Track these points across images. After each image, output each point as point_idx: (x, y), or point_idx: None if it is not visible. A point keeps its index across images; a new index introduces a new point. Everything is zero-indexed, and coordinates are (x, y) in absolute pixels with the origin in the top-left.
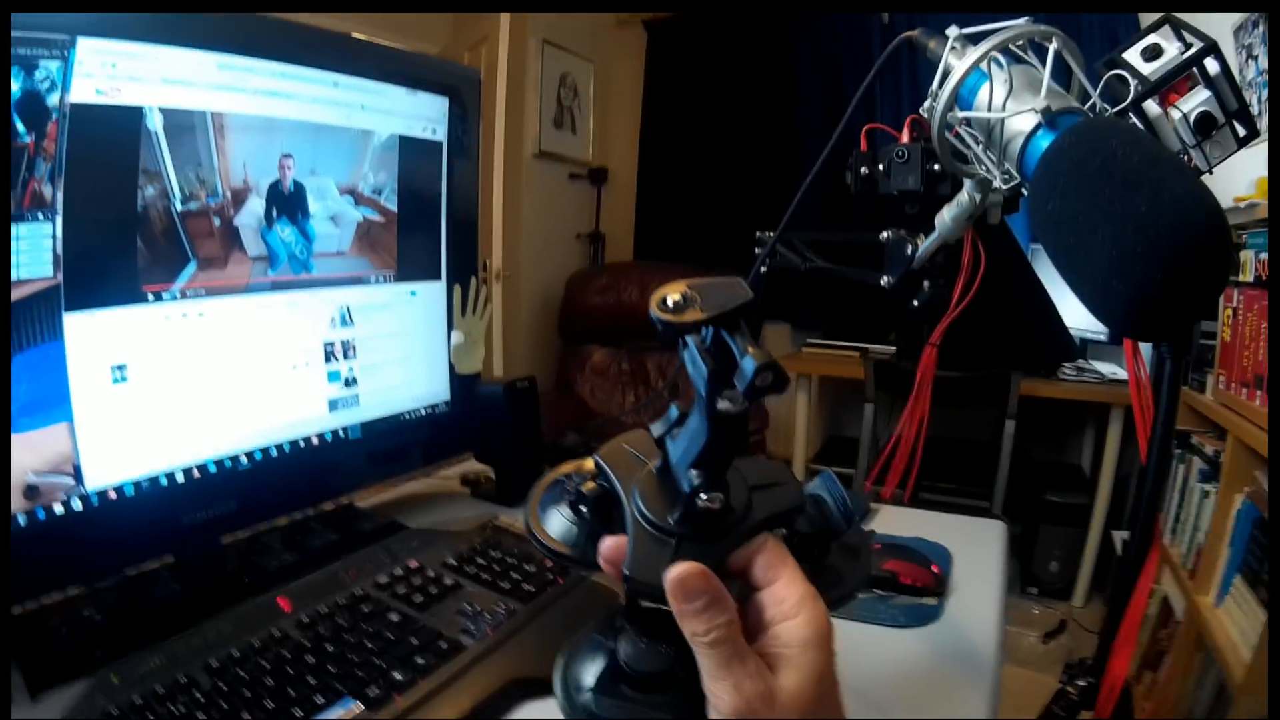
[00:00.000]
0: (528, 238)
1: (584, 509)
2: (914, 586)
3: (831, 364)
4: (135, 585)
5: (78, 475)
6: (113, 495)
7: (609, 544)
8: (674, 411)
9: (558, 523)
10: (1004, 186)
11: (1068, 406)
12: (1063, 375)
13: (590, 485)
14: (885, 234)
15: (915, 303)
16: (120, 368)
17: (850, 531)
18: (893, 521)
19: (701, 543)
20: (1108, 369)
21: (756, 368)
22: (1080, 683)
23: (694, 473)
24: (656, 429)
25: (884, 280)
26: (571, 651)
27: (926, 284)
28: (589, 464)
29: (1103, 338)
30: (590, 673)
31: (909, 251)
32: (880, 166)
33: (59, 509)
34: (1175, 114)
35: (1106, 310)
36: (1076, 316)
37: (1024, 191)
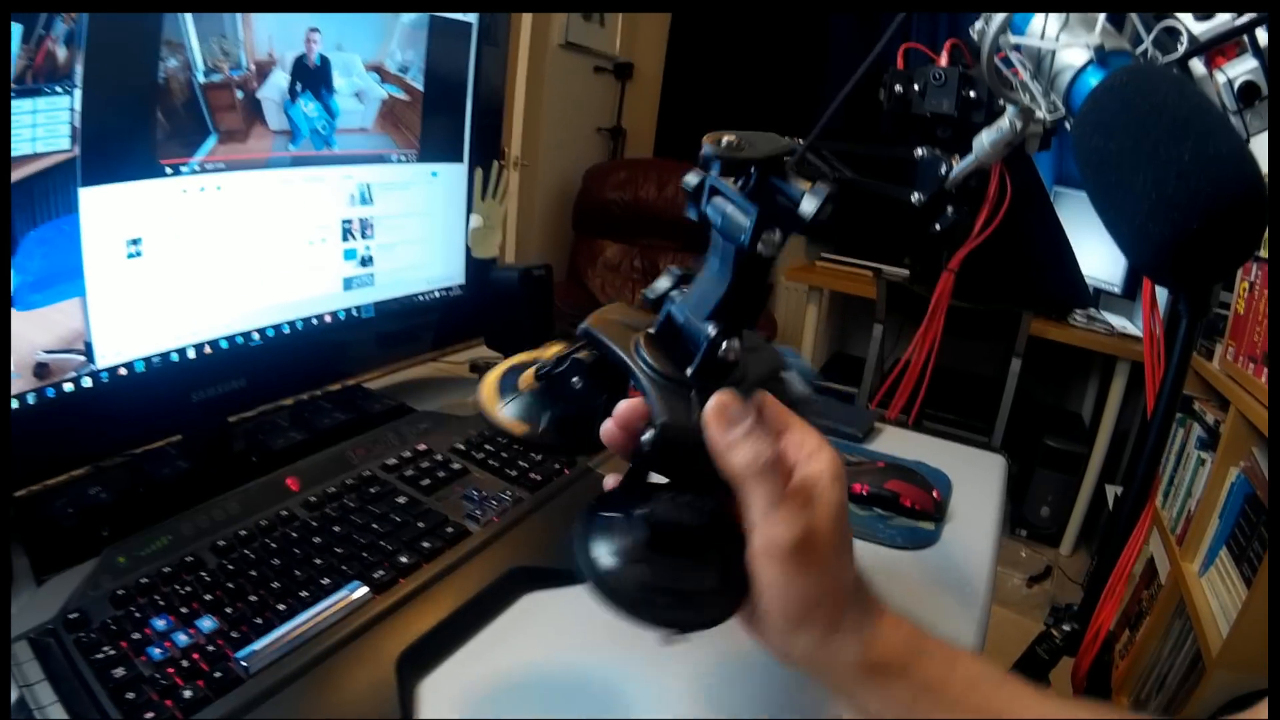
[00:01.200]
0: (548, 128)
1: (575, 380)
2: (914, 509)
3: (844, 280)
4: (142, 464)
5: (89, 352)
6: (123, 372)
7: (624, 406)
8: (674, 270)
9: (520, 406)
10: (1048, 117)
11: (1074, 353)
12: (1073, 321)
13: (585, 352)
14: (920, 151)
15: (938, 226)
16: (135, 242)
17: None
18: (895, 443)
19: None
20: (1118, 322)
21: (828, 193)
22: (1065, 627)
23: (710, 324)
24: (659, 287)
25: (914, 197)
26: (586, 536)
27: (951, 209)
28: (550, 351)
29: (1116, 290)
30: (621, 548)
31: (943, 171)
32: (915, 86)
33: (68, 387)
34: (1220, 77)
35: (1138, 251)
36: (1093, 265)
37: (1067, 125)
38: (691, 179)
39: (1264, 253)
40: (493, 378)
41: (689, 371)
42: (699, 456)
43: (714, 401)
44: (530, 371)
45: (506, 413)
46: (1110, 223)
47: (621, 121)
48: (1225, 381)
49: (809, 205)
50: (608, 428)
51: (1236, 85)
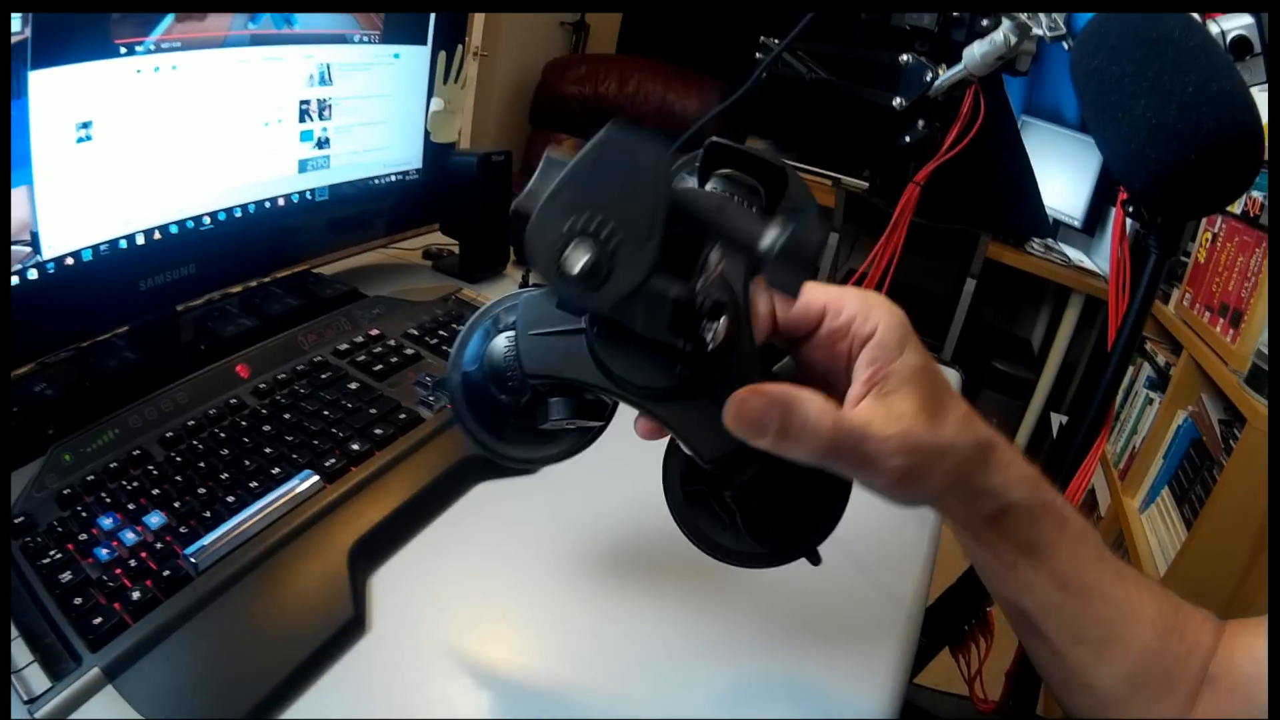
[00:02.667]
0: (509, 19)
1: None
2: None
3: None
4: (88, 358)
5: (35, 243)
6: (70, 263)
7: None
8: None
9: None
10: (1047, 34)
11: (1029, 280)
12: (1030, 249)
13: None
14: (905, 57)
15: (907, 139)
16: (85, 125)
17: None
18: None
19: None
20: (1075, 255)
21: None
22: None
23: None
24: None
25: (896, 101)
26: (693, 523)
27: (922, 123)
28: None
29: (1076, 224)
30: (729, 529)
31: (927, 78)
32: None
33: (14, 280)
34: (1214, 28)
35: (1132, 174)
36: (1055, 197)
37: (1065, 45)
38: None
39: (1232, 208)
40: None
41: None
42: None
43: (729, 414)
44: None
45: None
46: (1105, 143)
47: (585, 16)
48: (1180, 326)
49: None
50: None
51: (1230, 38)
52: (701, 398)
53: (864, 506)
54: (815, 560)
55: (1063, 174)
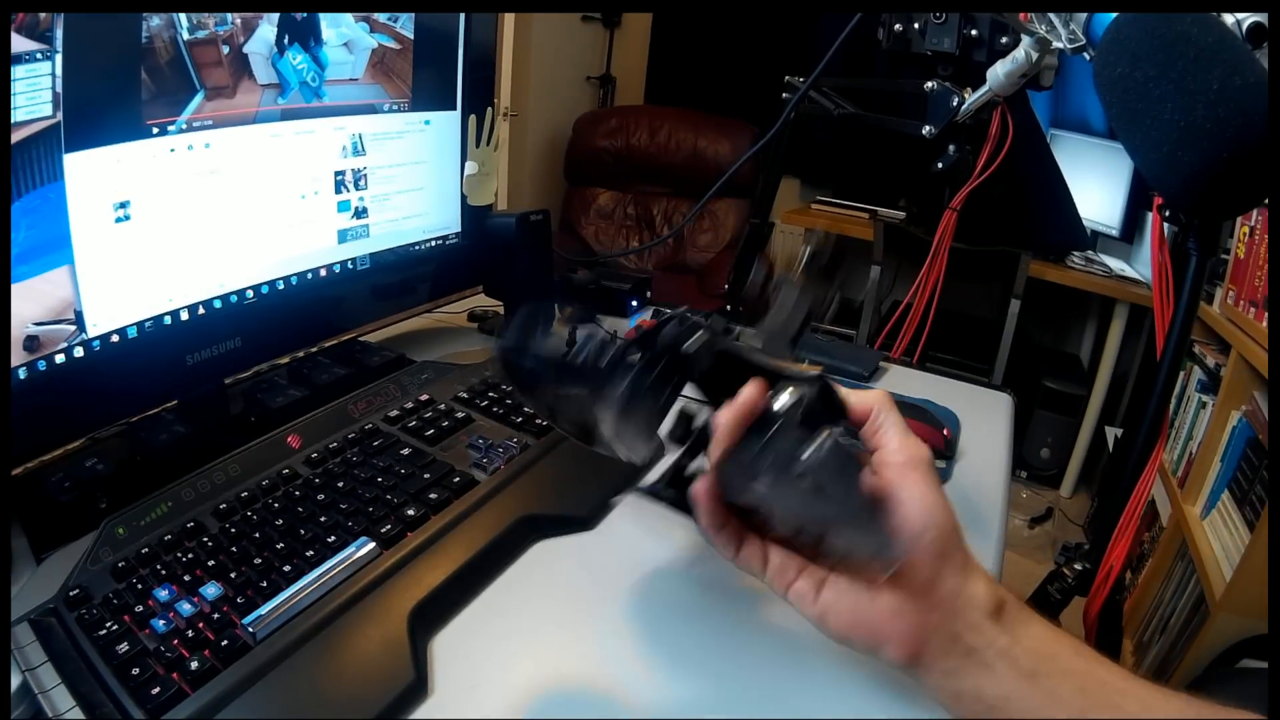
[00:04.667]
0: (537, 78)
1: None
2: None
3: (839, 223)
4: (139, 432)
5: (79, 321)
6: (115, 340)
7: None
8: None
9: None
10: (1067, 46)
11: (1072, 295)
12: (1071, 263)
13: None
14: (930, 84)
15: (940, 165)
16: (123, 205)
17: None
18: (901, 382)
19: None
20: (1116, 264)
21: None
22: (1076, 566)
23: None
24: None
25: (926, 130)
26: None
27: (953, 148)
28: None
29: (1114, 232)
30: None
31: (954, 103)
32: (915, 25)
33: (60, 358)
34: (1229, 18)
35: (1167, 179)
36: (1090, 208)
37: (1086, 56)
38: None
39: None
40: None
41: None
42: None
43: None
44: None
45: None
46: (1136, 150)
47: (611, 69)
48: (1226, 325)
49: None
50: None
51: (1245, 26)
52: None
53: None
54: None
55: (1096, 184)
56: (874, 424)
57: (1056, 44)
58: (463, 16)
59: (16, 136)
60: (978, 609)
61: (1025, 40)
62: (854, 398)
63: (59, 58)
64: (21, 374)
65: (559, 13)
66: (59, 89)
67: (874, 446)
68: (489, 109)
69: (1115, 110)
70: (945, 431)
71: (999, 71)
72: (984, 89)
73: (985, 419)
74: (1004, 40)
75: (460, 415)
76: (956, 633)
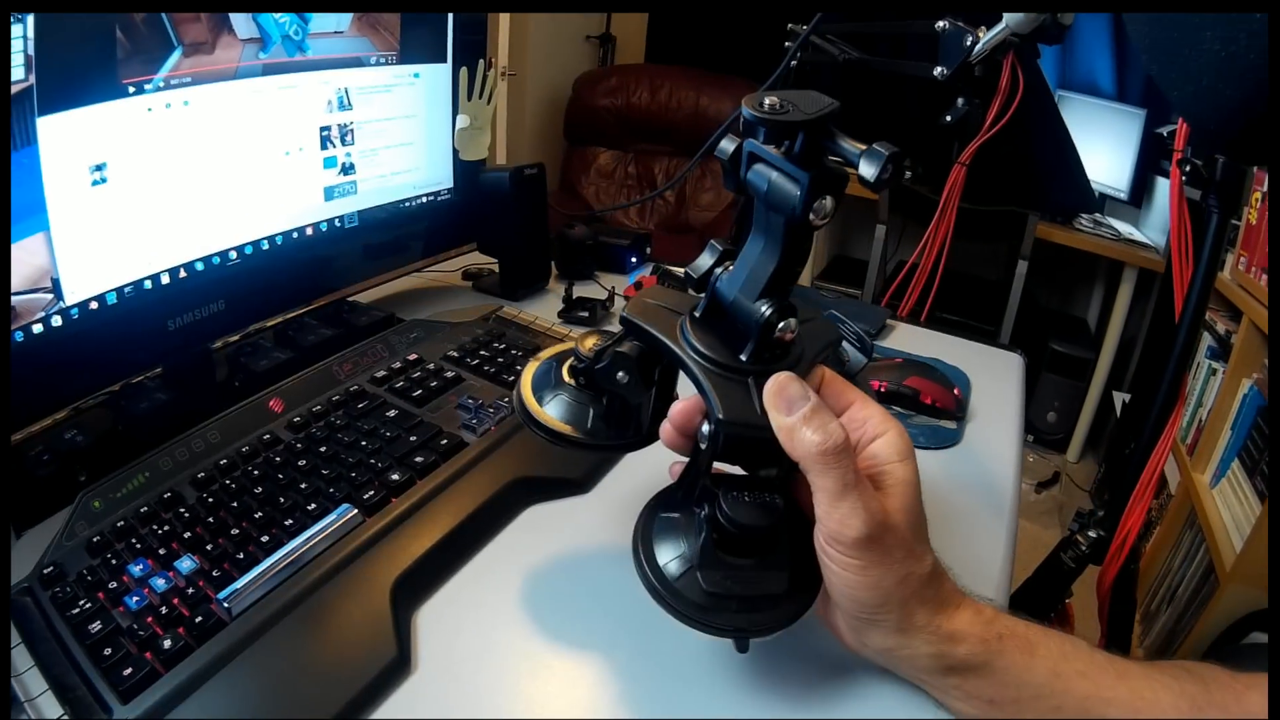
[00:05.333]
0: (535, 37)
1: (620, 375)
2: (935, 407)
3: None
4: (121, 401)
5: (56, 289)
6: (94, 307)
7: (678, 408)
8: (715, 246)
9: (560, 406)
10: None
11: (1079, 258)
12: (1079, 225)
13: (628, 345)
14: (941, 23)
15: (948, 118)
16: (99, 168)
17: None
18: (910, 340)
19: (760, 381)
20: (1124, 228)
21: (888, 155)
22: (1091, 534)
23: (764, 304)
24: (702, 264)
25: (938, 71)
26: (647, 541)
27: (961, 100)
28: (588, 342)
29: (1123, 195)
30: (683, 553)
31: (967, 43)
32: None
33: (38, 328)
34: None
35: (1203, 114)
36: (1098, 170)
37: None
38: (727, 146)
39: None
40: (527, 376)
41: (744, 357)
42: (763, 449)
43: (773, 384)
44: (562, 373)
45: (550, 413)
46: (1171, 85)
47: (610, 29)
48: (1237, 291)
49: (869, 170)
50: (665, 429)
51: None
52: (746, 382)
53: (938, 516)
54: (742, 647)
55: (1104, 146)
56: (806, 477)
57: None
58: None
59: None
60: (917, 666)
61: None
62: (790, 443)
63: (31, 19)
64: None
65: (552, 12)
66: (31, 51)
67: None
68: (480, 62)
69: (1148, 42)
70: (956, 391)
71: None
72: (999, 27)
73: (995, 379)
74: None
75: (450, 375)
76: (901, 670)
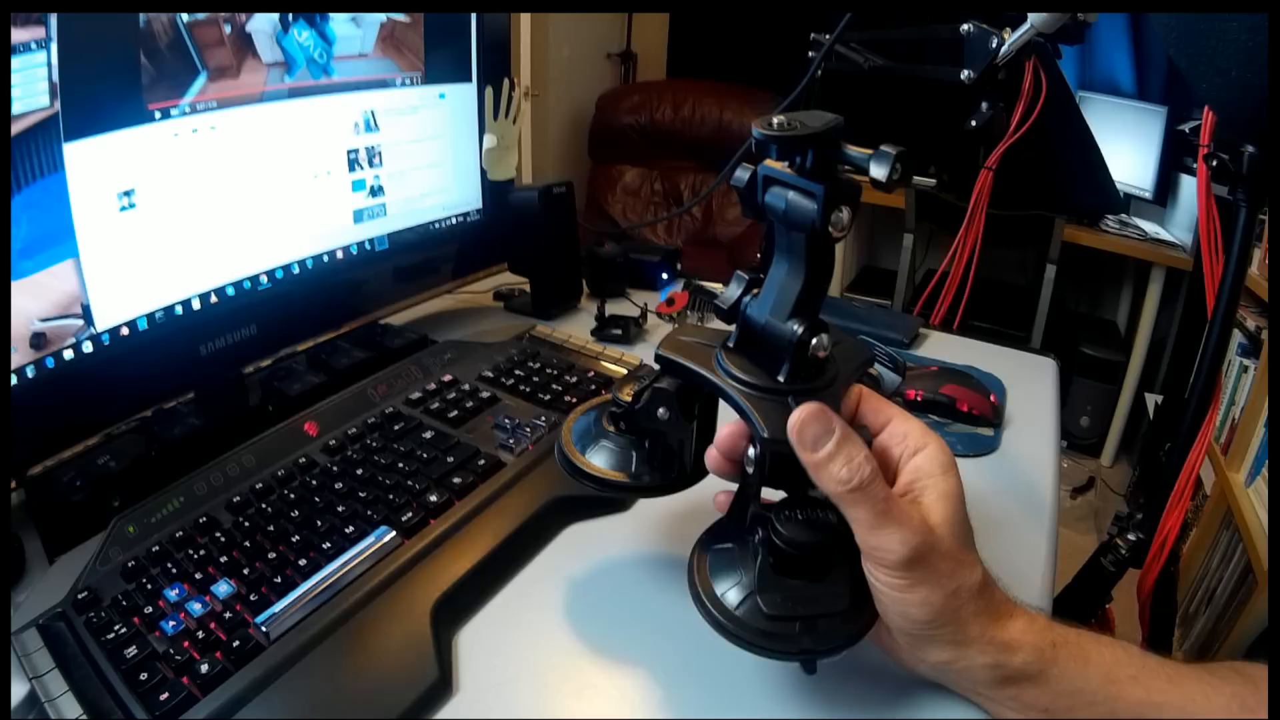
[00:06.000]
0: (556, 57)
1: (661, 411)
2: (971, 414)
3: (868, 191)
4: (152, 427)
5: (87, 315)
6: (125, 333)
7: (724, 432)
8: (741, 275)
9: (605, 454)
10: None
11: (1107, 259)
12: (1105, 227)
13: (667, 381)
14: (966, 26)
15: (973, 123)
16: (127, 193)
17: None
18: (943, 348)
19: (814, 395)
20: (1150, 227)
21: (895, 154)
22: (1130, 537)
23: (794, 323)
24: (730, 295)
25: (964, 74)
26: (703, 575)
27: (985, 105)
28: (625, 390)
29: (1147, 195)
30: (740, 581)
31: (993, 45)
32: None
33: (69, 354)
34: None
35: (1235, 105)
36: (1122, 170)
37: None
38: (741, 175)
39: None
40: (567, 430)
41: (781, 378)
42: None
43: (795, 419)
44: (601, 423)
45: (595, 462)
46: (1200, 77)
47: (631, 45)
48: (1265, 285)
49: (880, 171)
50: (712, 455)
51: None
52: (785, 401)
53: (978, 524)
54: (810, 668)
55: (1126, 145)
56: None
57: None
58: None
59: (14, 129)
60: (973, 679)
61: None
62: (819, 478)
63: (54, 46)
64: (30, 372)
65: (573, 13)
66: (55, 78)
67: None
68: (506, 80)
69: (1175, 36)
70: (992, 397)
71: None
72: (1024, 27)
73: (1030, 385)
74: None
75: (485, 395)
76: (958, 685)
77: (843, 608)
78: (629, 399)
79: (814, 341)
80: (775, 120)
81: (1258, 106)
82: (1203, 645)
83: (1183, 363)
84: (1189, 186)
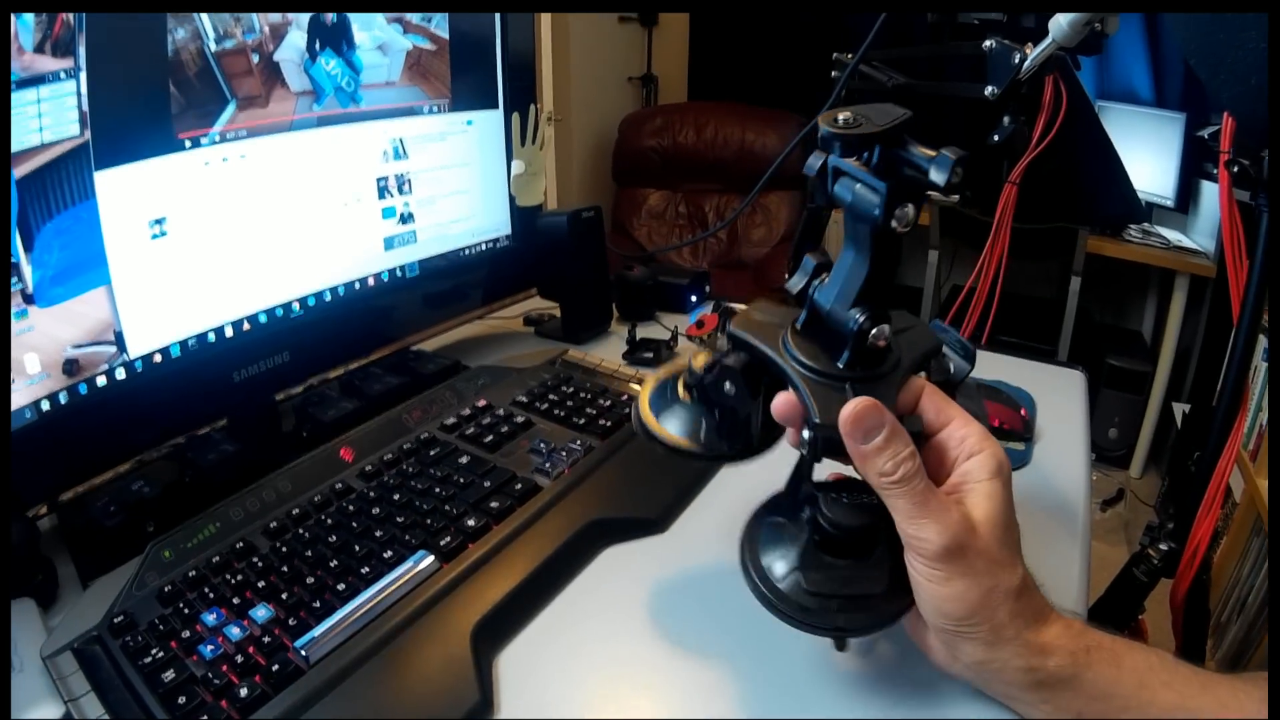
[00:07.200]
0: (578, 81)
1: (728, 386)
2: (1003, 429)
3: None
4: (186, 453)
5: (119, 342)
6: (158, 359)
7: (781, 400)
8: (809, 262)
9: (676, 421)
10: None
11: (1131, 270)
12: (1128, 237)
13: (734, 358)
14: (988, 42)
15: (995, 138)
16: (159, 221)
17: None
18: None
19: (871, 384)
20: (1173, 235)
21: (955, 159)
22: (1162, 547)
23: (856, 311)
24: (795, 282)
25: (988, 90)
26: (753, 545)
27: (1007, 119)
28: (700, 359)
29: (1169, 203)
30: (787, 556)
31: (1016, 60)
32: None
33: (101, 381)
34: None
35: (1253, 110)
36: (1143, 179)
37: None
38: (813, 162)
39: None
40: (645, 394)
41: (841, 364)
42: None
43: (846, 411)
44: (677, 388)
45: (667, 428)
46: (1221, 85)
47: (652, 68)
48: None
49: (939, 175)
50: (778, 404)
51: None
52: (843, 388)
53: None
54: (841, 645)
55: (1146, 153)
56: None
57: None
58: (498, 12)
59: (45, 158)
60: (1007, 681)
61: None
62: (864, 469)
63: (83, 75)
64: (63, 398)
65: (593, 12)
66: (85, 107)
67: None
68: (532, 106)
69: (1194, 46)
70: (1023, 411)
71: (1062, 21)
72: (1046, 41)
73: (1059, 398)
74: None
75: (520, 420)
76: (991, 686)
77: (879, 590)
78: (701, 370)
79: (874, 331)
80: (841, 117)
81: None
82: (1236, 654)
83: (1209, 371)
84: (1210, 193)
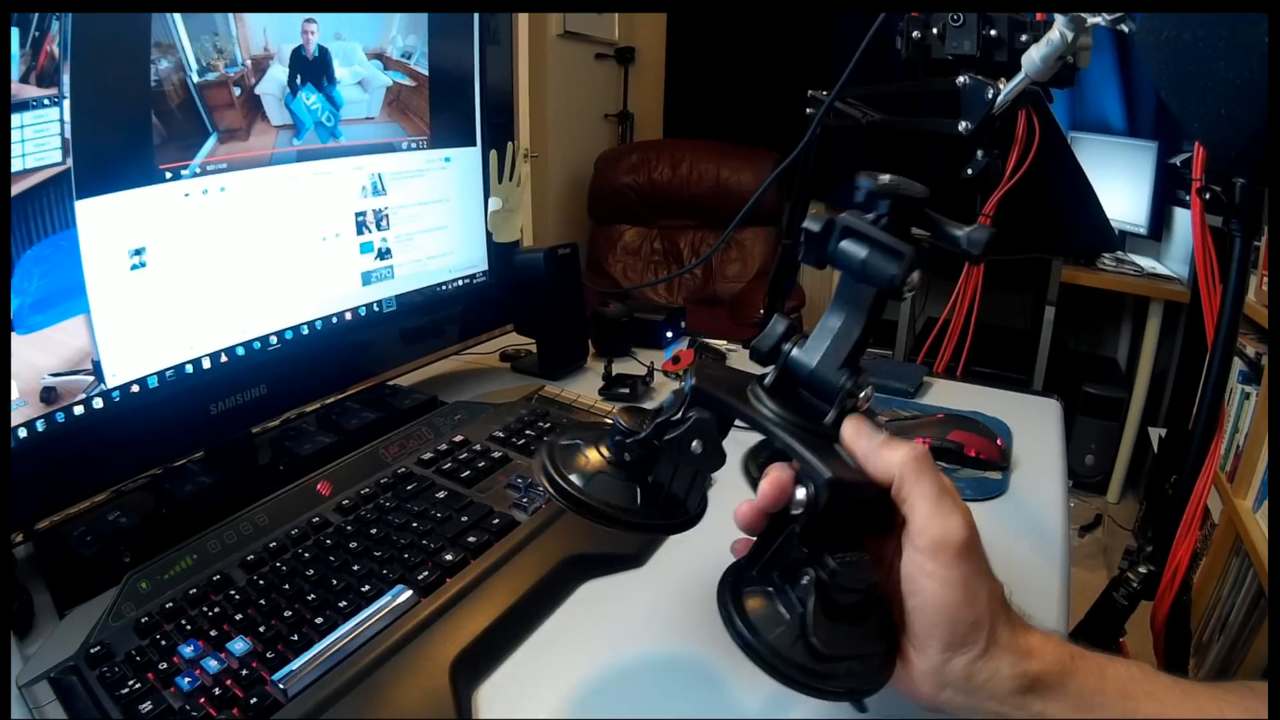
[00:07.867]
0: (554, 118)
1: (695, 444)
2: (979, 459)
3: None
4: (163, 484)
5: (97, 371)
6: (135, 390)
7: (766, 488)
8: (779, 324)
9: (603, 488)
10: (1105, 20)
11: (1104, 298)
12: (1102, 265)
13: (695, 414)
14: (962, 79)
15: (969, 171)
16: (138, 252)
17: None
18: (948, 395)
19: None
20: (1146, 263)
21: (991, 234)
22: (1141, 570)
23: (844, 373)
24: (764, 342)
25: (962, 126)
26: (743, 615)
27: (980, 153)
28: (626, 417)
29: (1142, 231)
30: (791, 623)
31: (989, 95)
32: (934, 30)
33: (79, 410)
34: None
35: (1225, 141)
36: (1116, 207)
37: (1125, 28)
38: (813, 225)
39: None
40: (548, 462)
41: (828, 421)
42: (860, 509)
43: (850, 423)
44: (593, 452)
45: (594, 491)
46: (1192, 116)
47: (628, 106)
48: (1263, 312)
49: (975, 246)
50: (745, 510)
51: None
52: (827, 441)
53: (989, 550)
54: (861, 706)
55: (1120, 182)
56: (899, 493)
57: (1093, 20)
58: (476, 50)
59: (27, 184)
60: (997, 694)
61: (1059, 19)
62: (878, 461)
63: (67, 103)
64: (40, 426)
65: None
66: (68, 135)
67: (902, 517)
68: (510, 143)
69: (1165, 78)
70: (999, 441)
71: (1034, 56)
72: (1019, 77)
73: (1035, 427)
74: (1024, 38)
75: (497, 455)
76: (975, 706)
77: (879, 649)
78: (645, 428)
79: (862, 395)
80: (885, 179)
81: (1251, 141)
82: (1218, 672)
83: (1185, 394)
84: (1182, 219)
